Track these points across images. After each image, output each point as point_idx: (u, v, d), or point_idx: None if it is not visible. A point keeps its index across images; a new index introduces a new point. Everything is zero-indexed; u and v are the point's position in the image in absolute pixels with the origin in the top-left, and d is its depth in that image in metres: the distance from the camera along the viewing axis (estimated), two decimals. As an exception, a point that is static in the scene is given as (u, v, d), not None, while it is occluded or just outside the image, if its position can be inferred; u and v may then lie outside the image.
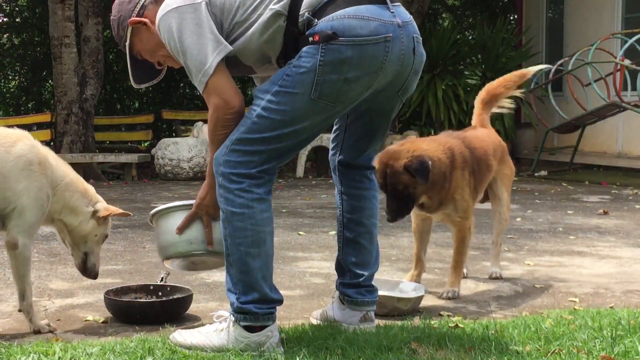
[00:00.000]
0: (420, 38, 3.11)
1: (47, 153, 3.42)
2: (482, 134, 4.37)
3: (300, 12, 2.90)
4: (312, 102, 2.87)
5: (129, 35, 3.14)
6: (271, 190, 2.97)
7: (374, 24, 2.88)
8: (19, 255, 3.29)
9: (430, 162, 3.74)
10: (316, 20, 2.89)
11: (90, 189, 3.54)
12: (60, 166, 3.46)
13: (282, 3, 2.91)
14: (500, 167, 4.39)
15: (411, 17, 3.09)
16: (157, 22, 3.01)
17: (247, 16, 2.94)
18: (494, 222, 4.53)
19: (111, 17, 3.23)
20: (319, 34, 2.85)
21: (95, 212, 3.47)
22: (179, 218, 3.19)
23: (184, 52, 2.93)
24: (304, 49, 2.87)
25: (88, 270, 3.54)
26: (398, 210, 3.81)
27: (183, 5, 2.94)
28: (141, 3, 3.13)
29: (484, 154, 4.18)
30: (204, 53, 2.90)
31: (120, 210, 3.52)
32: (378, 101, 3.13)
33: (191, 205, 3.18)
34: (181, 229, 3.16)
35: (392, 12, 2.96)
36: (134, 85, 3.32)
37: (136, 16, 3.12)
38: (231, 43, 2.95)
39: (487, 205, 4.61)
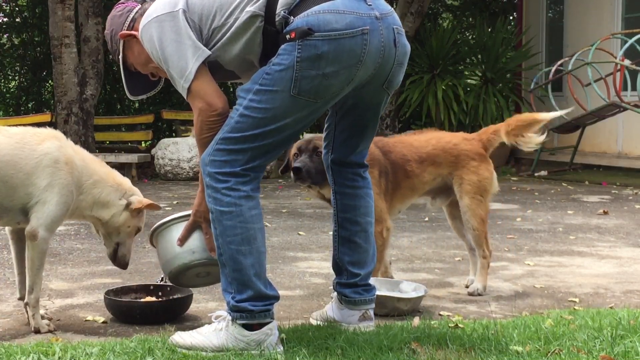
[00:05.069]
0: (402, 29, 3.11)
1: (75, 153, 3.47)
2: (413, 139, 4.20)
3: (277, 11, 2.93)
4: (293, 98, 2.89)
5: (121, 48, 3.20)
6: (259, 188, 2.98)
7: (349, 17, 2.89)
8: (36, 247, 3.33)
9: None
10: (292, 17, 2.91)
11: (125, 182, 3.58)
12: (88, 165, 3.50)
13: (257, 4, 2.94)
14: (457, 172, 4.13)
15: (392, 8, 3.08)
16: (139, 33, 3.07)
17: (225, 21, 2.98)
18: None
19: (105, 32, 3.29)
20: (295, 30, 2.86)
21: (128, 205, 3.51)
22: (178, 230, 3.22)
23: (165, 60, 2.98)
24: (282, 46, 2.89)
25: (118, 259, 3.59)
26: (309, 170, 3.65)
27: (162, 15, 3.00)
28: (131, 16, 3.19)
29: (401, 159, 4.05)
30: (184, 59, 2.94)
31: (152, 202, 3.56)
32: (364, 96, 3.13)
33: (189, 215, 3.20)
34: (182, 240, 3.20)
35: (370, 5, 2.96)
36: (130, 97, 3.35)
37: (127, 29, 3.18)
38: (211, 48, 2.99)
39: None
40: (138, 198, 3.55)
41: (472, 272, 4.36)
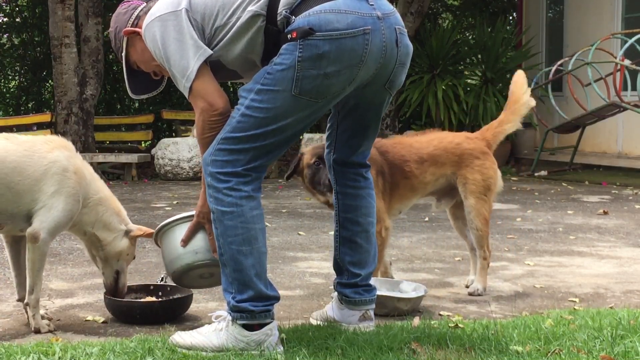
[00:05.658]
0: (405, 29, 3.10)
1: (84, 166, 3.51)
2: (414, 140, 4.19)
3: (279, 11, 2.93)
4: (294, 98, 2.89)
5: (124, 45, 3.20)
6: (260, 188, 2.98)
7: (351, 17, 2.89)
8: (37, 249, 3.34)
9: None
10: (293, 17, 2.91)
11: (123, 209, 3.62)
12: (95, 181, 3.55)
13: (259, 4, 2.95)
14: (461, 171, 4.12)
15: (394, 8, 3.08)
16: (142, 31, 3.08)
17: (227, 20, 2.98)
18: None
19: (109, 29, 3.30)
20: (297, 30, 2.86)
21: (128, 232, 3.55)
22: (182, 231, 3.22)
23: (167, 60, 2.99)
24: (284, 46, 2.89)
25: (120, 290, 3.61)
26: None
27: (165, 14, 3.00)
28: (136, 14, 3.20)
29: (399, 159, 4.04)
30: (186, 59, 2.94)
31: (151, 230, 3.56)
32: (366, 96, 3.13)
33: (192, 216, 3.21)
34: (185, 241, 3.20)
35: (372, 5, 2.96)
36: (132, 96, 3.35)
37: (131, 27, 3.19)
38: (213, 48, 2.99)
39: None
40: (136, 225, 3.60)
41: (472, 272, 4.35)
